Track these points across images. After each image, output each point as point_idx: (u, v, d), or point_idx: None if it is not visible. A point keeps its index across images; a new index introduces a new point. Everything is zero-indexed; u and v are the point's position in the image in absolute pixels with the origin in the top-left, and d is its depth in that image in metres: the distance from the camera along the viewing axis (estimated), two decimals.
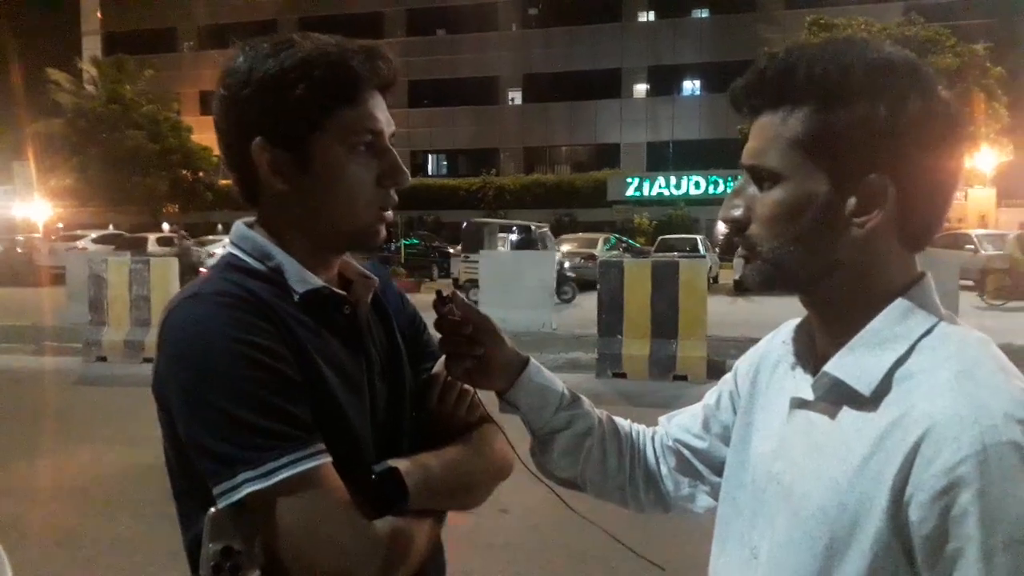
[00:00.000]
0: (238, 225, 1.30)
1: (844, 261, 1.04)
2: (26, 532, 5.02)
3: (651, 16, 48.25)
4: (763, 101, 1.07)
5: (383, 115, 1.25)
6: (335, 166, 1.21)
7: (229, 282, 1.20)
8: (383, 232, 1.27)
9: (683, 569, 1.54)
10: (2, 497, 5.68)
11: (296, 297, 1.22)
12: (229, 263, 1.26)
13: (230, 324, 1.13)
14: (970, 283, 19.08)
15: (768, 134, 1.05)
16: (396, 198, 1.27)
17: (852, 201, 1.01)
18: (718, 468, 1.33)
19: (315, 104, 1.18)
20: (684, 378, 9.37)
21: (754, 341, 1.38)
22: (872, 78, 1.00)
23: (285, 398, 1.12)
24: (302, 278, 1.23)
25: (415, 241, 30.32)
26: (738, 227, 1.09)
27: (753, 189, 1.08)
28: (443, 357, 1.36)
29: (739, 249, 1.11)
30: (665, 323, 9.82)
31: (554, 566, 4.66)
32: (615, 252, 25.33)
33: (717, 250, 26.68)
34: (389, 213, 1.27)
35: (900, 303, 1.04)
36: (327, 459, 1.13)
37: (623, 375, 9.86)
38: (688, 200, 41.04)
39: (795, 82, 1.02)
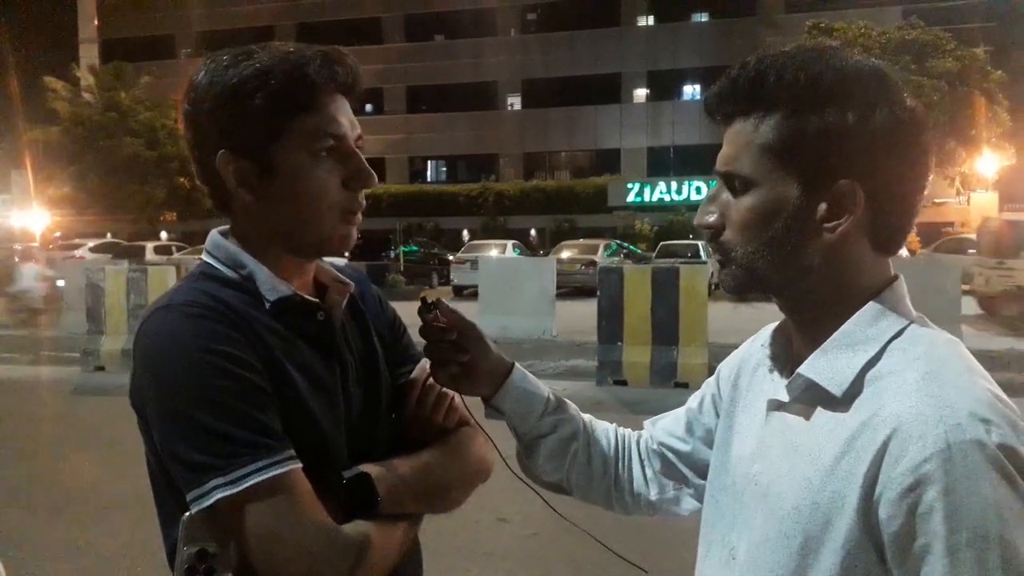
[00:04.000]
0: (213, 234, 1.32)
1: (816, 265, 1.06)
2: (25, 542, 5.01)
3: (650, 20, 48.20)
4: (735, 108, 1.09)
5: (346, 119, 1.26)
6: (299, 173, 1.22)
7: (200, 292, 1.23)
8: (353, 236, 1.29)
9: (673, 573, 1.54)
10: (1, 507, 5.65)
11: (268, 305, 1.25)
12: (203, 272, 1.29)
13: (199, 334, 1.16)
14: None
15: (740, 141, 1.08)
16: (363, 201, 1.29)
17: (823, 206, 1.04)
18: (702, 471, 1.35)
19: (274, 113, 1.20)
20: (685, 385, 9.35)
21: None
22: (841, 86, 1.03)
23: (254, 406, 1.15)
24: (273, 286, 1.26)
25: (414, 248, 30.26)
26: (713, 233, 1.12)
27: (727, 195, 1.11)
28: (424, 362, 1.39)
29: (715, 254, 1.13)
30: (666, 330, 9.79)
31: (552, 575, 4.64)
32: (616, 258, 25.30)
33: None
34: (359, 216, 1.29)
35: (871, 306, 1.06)
36: (296, 465, 1.15)
37: (624, 382, 9.82)
38: (689, 206, 40.89)
39: (766, 89, 1.05)
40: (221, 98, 1.20)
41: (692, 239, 30.43)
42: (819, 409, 1.05)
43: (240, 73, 1.20)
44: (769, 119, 1.05)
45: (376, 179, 1.29)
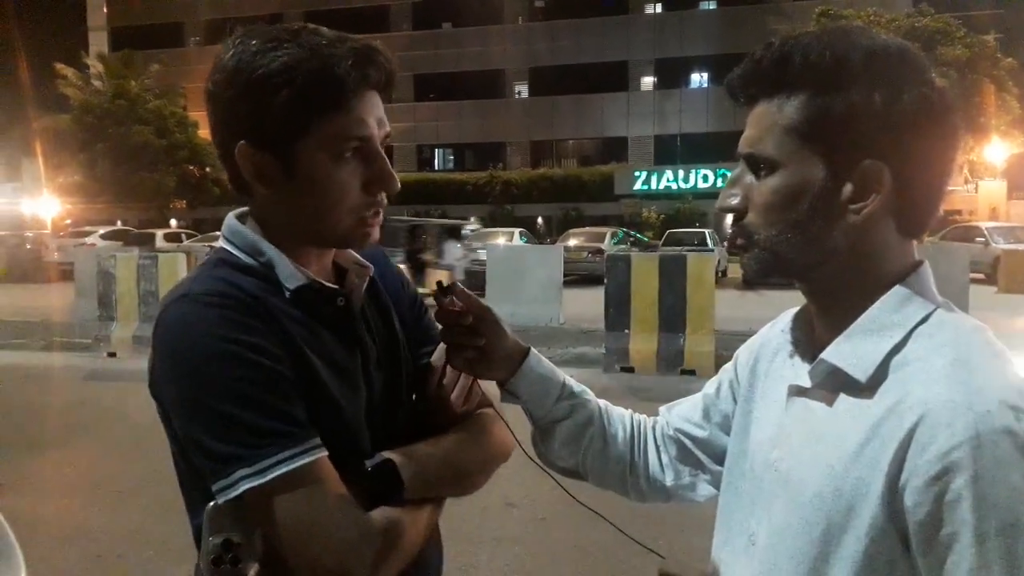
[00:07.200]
0: (229, 219, 1.30)
1: (841, 248, 1.04)
2: (37, 527, 5.02)
3: (658, 8, 47.97)
4: (759, 90, 1.07)
5: (373, 118, 1.21)
6: (320, 173, 1.19)
7: (219, 279, 1.20)
8: (373, 234, 1.26)
9: (687, 559, 1.54)
10: (13, 493, 5.70)
11: (287, 293, 1.23)
12: (220, 258, 1.27)
13: (220, 324, 1.14)
14: (980, 276, 19.01)
15: (764, 122, 1.06)
16: (385, 202, 1.25)
17: (848, 187, 1.02)
18: (719, 457, 1.34)
19: (298, 111, 1.15)
20: (692, 372, 9.34)
21: None
22: (867, 65, 1.01)
23: (278, 395, 1.13)
24: (292, 273, 1.24)
25: None
26: (736, 216, 1.10)
27: (750, 178, 1.09)
28: (442, 345, 1.37)
29: (737, 238, 1.11)
30: (673, 317, 9.78)
31: (561, 560, 4.65)
32: (623, 246, 25.25)
33: (725, 244, 26.38)
34: (380, 215, 1.26)
35: (898, 290, 1.04)
36: (322, 453, 1.14)
37: (631, 369, 9.81)
38: (696, 194, 40.85)
39: (791, 70, 1.03)
40: (245, 88, 1.15)
41: (699, 227, 30.36)
42: (842, 395, 1.04)
43: (267, 65, 1.14)
44: (794, 100, 1.03)
45: (398, 184, 1.24)
